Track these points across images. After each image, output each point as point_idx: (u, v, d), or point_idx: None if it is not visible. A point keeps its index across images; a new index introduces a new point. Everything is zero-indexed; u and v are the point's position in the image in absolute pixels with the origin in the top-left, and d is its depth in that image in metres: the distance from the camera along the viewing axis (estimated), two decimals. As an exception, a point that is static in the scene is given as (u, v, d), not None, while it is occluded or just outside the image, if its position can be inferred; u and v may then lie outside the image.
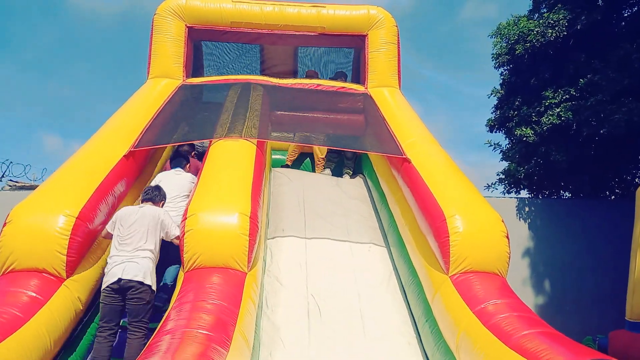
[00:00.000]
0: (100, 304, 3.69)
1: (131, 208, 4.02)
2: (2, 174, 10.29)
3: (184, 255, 3.81)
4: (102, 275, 3.93)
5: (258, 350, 3.89)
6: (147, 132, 5.16)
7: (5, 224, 3.69)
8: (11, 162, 10.23)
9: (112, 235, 3.86)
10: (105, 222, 4.10)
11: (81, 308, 3.73)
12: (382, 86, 6.76)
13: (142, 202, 4.11)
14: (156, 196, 4.13)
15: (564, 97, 7.76)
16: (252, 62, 8.03)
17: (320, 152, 7.16)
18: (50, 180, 4.22)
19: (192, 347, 2.79)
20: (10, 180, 9.82)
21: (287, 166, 7.33)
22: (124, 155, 4.67)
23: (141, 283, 3.65)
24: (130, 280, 3.62)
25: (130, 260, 3.70)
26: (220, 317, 3.26)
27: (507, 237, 4.15)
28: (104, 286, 3.68)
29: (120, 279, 3.61)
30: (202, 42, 7.59)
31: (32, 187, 8.16)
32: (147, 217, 3.90)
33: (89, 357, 3.76)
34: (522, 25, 8.46)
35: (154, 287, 3.77)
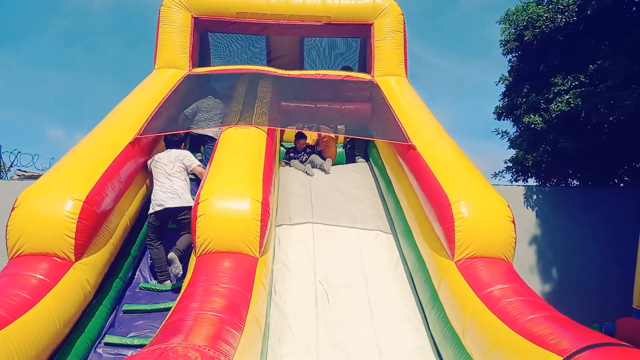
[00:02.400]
0: (148, 226, 4.77)
1: (163, 153, 5.05)
2: (10, 163, 10.39)
3: (196, 240, 3.85)
4: (110, 257, 4.07)
5: (267, 337, 3.92)
6: (152, 120, 5.19)
7: (13, 209, 3.72)
8: (19, 152, 10.34)
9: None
10: (112, 207, 4.15)
11: (89, 290, 3.75)
12: (389, 75, 6.74)
13: (167, 149, 5.14)
14: (178, 142, 5.24)
15: (573, 84, 7.63)
16: (258, 53, 8.04)
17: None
18: (57, 166, 4.25)
19: (206, 329, 2.81)
20: (19, 169, 9.91)
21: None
22: (130, 142, 4.70)
23: (183, 207, 4.68)
24: (172, 208, 4.67)
25: (168, 190, 4.73)
26: (233, 300, 3.29)
27: (513, 221, 4.12)
28: (150, 211, 4.72)
29: (164, 208, 4.66)
30: (208, 33, 7.60)
31: (40, 177, 8.22)
32: (174, 156, 4.94)
33: (149, 261, 4.73)
34: (531, 10, 8.34)
35: (191, 204, 4.47)
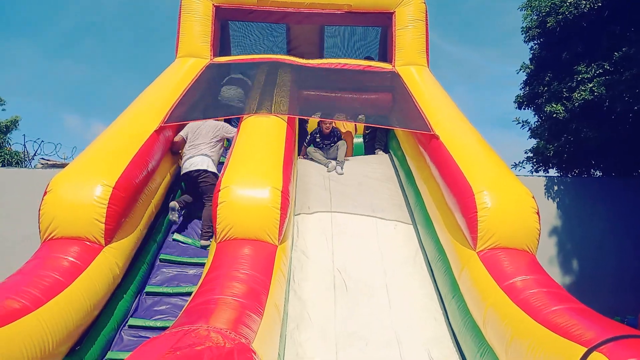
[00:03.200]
0: (183, 184, 5.36)
1: (197, 122, 5.40)
2: (34, 152, 10.64)
3: (217, 227, 3.92)
4: (137, 242, 4.23)
5: (285, 323, 3.98)
6: (176, 108, 5.27)
7: (45, 193, 3.83)
8: (42, 141, 10.59)
9: (183, 142, 5.33)
10: (139, 193, 4.26)
11: (118, 273, 3.86)
12: (410, 64, 6.68)
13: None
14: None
15: (597, 72, 7.44)
16: (278, 42, 8.05)
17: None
18: (86, 152, 4.35)
19: (227, 313, 2.87)
20: (42, 158, 10.14)
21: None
22: (155, 130, 4.78)
23: (205, 171, 5.09)
24: (197, 170, 5.08)
25: (197, 155, 5.14)
26: (253, 286, 3.35)
27: (538, 213, 4.09)
28: (182, 173, 5.21)
29: (184, 173, 5.14)
30: (229, 22, 7.63)
31: (63, 165, 8.40)
32: (209, 126, 5.37)
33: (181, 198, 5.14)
34: (554, -4, 8.14)
35: (210, 169, 5.12)
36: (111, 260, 3.75)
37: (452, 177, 4.44)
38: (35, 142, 10.68)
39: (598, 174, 9.39)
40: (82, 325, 3.36)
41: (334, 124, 6.49)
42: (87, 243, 3.68)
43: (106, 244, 3.76)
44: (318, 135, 6.49)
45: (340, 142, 6.40)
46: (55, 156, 10.34)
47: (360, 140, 7.73)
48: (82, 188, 3.78)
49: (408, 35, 6.73)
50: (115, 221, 3.81)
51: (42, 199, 3.81)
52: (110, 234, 3.78)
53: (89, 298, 3.41)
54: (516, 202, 4.05)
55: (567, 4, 7.88)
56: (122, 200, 3.90)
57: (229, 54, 7.57)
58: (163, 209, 5.01)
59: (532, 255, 3.98)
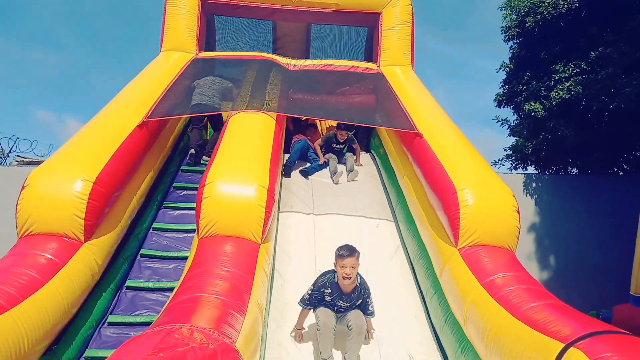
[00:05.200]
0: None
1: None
2: (9, 149, 10.36)
3: (200, 222, 3.88)
4: (118, 239, 4.12)
5: (267, 322, 3.96)
6: (160, 103, 5.20)
7: (23, 188, 3.74)
8: (18, 138, 10.31)
9: None
10: (121, 188, 4.17)
11: (97, 270, 3.80)
12: (395, 64, 6.73)
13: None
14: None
15: (575, 71, 7.56)
16: (264, 39, 8.00)
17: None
18: (65, 147, 4.26)
19: (210, 312, 2.84)
20: (18, 155, 9.89)
21: None
22: (138, 125, 4.70)
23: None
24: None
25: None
26: (236, 284, 3.32)
27: (518, 211, 4.16)
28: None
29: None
30: (214, 16, 7.56)
31: (39, 163, 8.21)
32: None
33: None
34: (533, -4, 8.21)
35: None
36: (90, 257, 3.69)
37: (435, 175, 4.48)
38: (10, 139, 10.38)
39: (575, 171, 9.57)
40: (59, 324, 3.30)
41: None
42: (66, 239, 3.61)
43: (85, 241, 3.69)
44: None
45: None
46: (31, 153, 10.08)
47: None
48: (62, 183, 3.70)
49: (394, 36, 6.78)
50: (96, 217, 3.74)
51: (20, 194, 3.72)
52: (90, 230, 3.71)
53: (67, 296, 3.35)
54: (497, 201, 4.12)
55: (546, 4, 7.99)
56: (103, 196, 3.83)
57: (214, 49, 7.50)
58: (145, 203, 4.94)
59: (512, 252, 4.05)
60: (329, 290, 3.67)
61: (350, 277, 3.55)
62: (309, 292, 3.73)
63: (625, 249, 6.07)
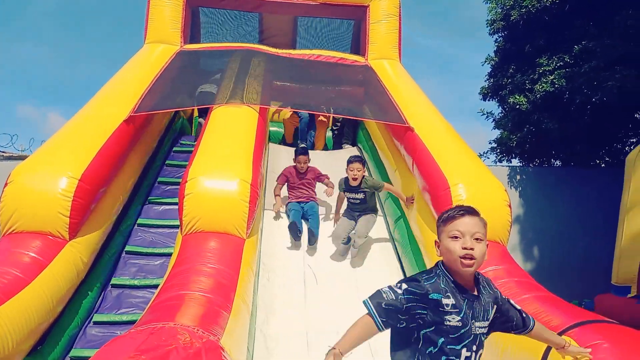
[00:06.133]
0: None
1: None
2: (-13, 144, 10.07)
3: (183, 219, 3.85)
4: (103, 236, 4.09)
5: (255, 317, 3.97)
6: (146, 97, 5.13)
7: (6, 184, 3.68)
8: (-3, 132, 9.96)
9: None
10: (107, 185, 4.12)
11: (82, 268, 3.77)
12: (383, 58, 6.72)
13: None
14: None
15: (558, 64, 7.63)
16: (250, 31, 7.92)
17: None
18: (50, 142, 4.19)
19: (194, 310, 2.83)
20: (-2, 150, 9.67)
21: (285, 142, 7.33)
22: (124, 120, 4.63)
23: None
24: None
25: None
26: (220, 280, 3.31)
27: (509, 206, 4.20)
28: None
29: None
30: (200, 8, 7.47)
31: (20, 157, 8.09)
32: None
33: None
34: (518, -11, 8.24)
35: None
36: (75, 255, 3.66)
37: (427, 170, 4.48)
38: (-12, 133, 10.05)
39: (558, 163, 9.71)
40: (44, 323, 3.28)
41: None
42: (50, 237, 3.58)
43: (70, 239, 3.66)
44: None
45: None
46: (12, 148, 9.84)
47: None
48: (46, 180, 3.65)
49: (382, 30, 6.76)
50: (81, 215, 3.70)
51: (3, 191, 3.67)
52: (75, 228, 3.68)
53: (52, 295, 3.32)
54: (489, 195, 4.14)
55: (530, -3, 8.02)
56: (89, 193, 3.79)
57: (199, 42, 7.42)
58: (130, 199, 4.90)
59: (503, 246, 4.09)
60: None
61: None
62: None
63: (609, 240, 6.19)
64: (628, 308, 5.17)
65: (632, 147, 8.28)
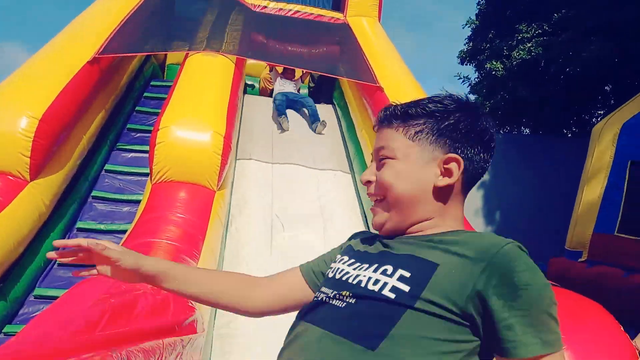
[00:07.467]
0: None
1: None
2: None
3: (153, 167, 3.80)
4: (66, 179, 4.00)
5: (221, 267, 4.01)
6: (113, 38, 4.89)
7: None
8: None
9: None
10: (70, 127, 3.99)
11: (44, 210, 3.69)
12: (362, 15, 6.60)
13: None
14: None
15: (537, 32, 7.62)
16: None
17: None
18: (9, 80, 3.97)
19: (162, 257, 2.83)
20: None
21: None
22: (88, 62, 4.42)
23: None
24: None
25: None
26: (189, 230, 3.32)
27: None
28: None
29: None
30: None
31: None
32: None
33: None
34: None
35: None
36: (37, 196, 3.57)
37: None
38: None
39: (527, 132, 9.92)
40: (4, 262, 3.24)
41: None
42: (11, 178, 3.47)
43: (31, 180, 3.56)
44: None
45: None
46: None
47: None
48: (5, 119, 3.50)
49: (362, -15, 6.58)
50: (42, 156, 3.59)
51: (-41, 129, 3.51)
52: (37, 169, 3.58)
53: (12, 234, 3.27)
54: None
55: (515, -39, 7.93)
56: (50, 134, 3.66)
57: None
58: (96, 144, 4.78)
59: None
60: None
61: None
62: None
63: (568, 208, 6.43)
64: (578, 271, 5.48)
65: (599, 119, 8.51)
